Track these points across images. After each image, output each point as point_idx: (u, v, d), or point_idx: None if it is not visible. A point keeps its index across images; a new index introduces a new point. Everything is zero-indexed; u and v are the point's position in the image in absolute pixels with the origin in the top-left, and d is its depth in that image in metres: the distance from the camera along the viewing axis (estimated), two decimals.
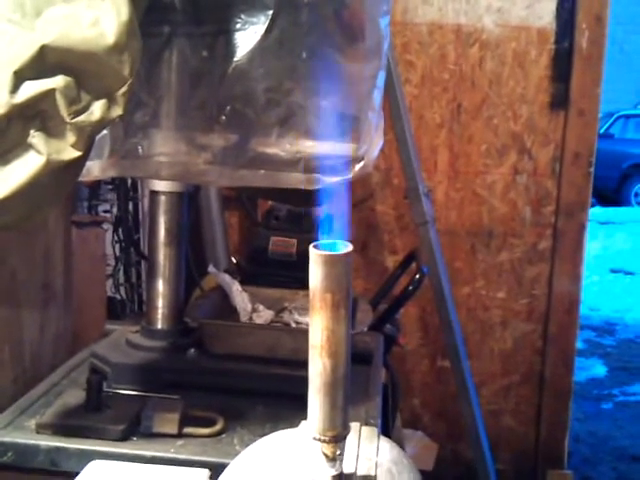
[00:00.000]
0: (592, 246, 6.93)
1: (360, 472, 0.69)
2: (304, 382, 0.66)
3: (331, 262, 0.61)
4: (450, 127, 2.62)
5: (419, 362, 2.77)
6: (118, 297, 2.41)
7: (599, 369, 4.67)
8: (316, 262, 0.61)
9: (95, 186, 2.25)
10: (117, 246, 2.41)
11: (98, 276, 1.81)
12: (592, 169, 2.58)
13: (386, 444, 0.76)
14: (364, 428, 0.77)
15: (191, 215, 1.82)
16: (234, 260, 2.34)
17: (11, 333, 1.31)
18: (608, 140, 10.24)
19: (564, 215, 2.62)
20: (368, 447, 0.73)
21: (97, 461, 0.87)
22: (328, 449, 0.66)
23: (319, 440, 0.65)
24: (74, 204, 1.80)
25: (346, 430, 0.66)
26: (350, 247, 0.62)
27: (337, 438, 0.66)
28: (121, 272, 2.44)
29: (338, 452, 0.66)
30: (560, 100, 2.57)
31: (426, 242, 2.29)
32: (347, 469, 0.68)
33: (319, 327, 0.62)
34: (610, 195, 10.60)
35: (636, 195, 11.04)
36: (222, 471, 0.75)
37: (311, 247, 0.61)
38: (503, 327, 2.73)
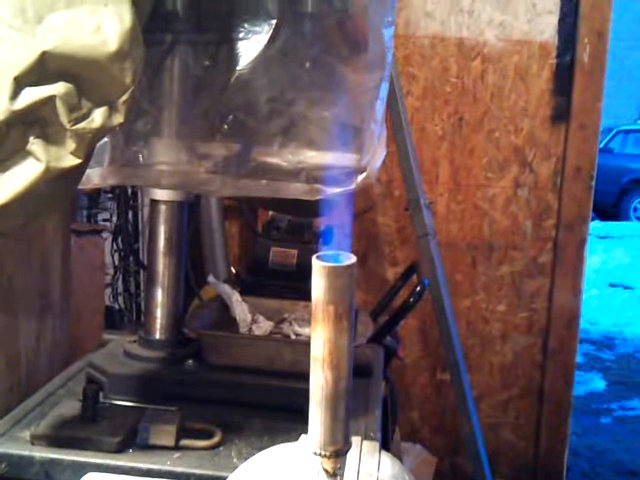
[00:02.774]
0: (591, 260, 6.93)
1: None
2: (303, 395, 0.65)
3: (335, 274, 0.60)
4: (451, 140, 2.62)
5: (419, 375, 2.76)
6: (116, 307, 2.40)
7: (598, 383, 4.65)
8: (320, 273, 0.60)
9: (95, 194, 2.24)
10: (116, 255, 2.40)
11: (96, 285, 1.80)
12: (593, 183, 2.58)
13: (387, 459, 0.74)
14: (365, 443, 0.75)
15: (191, 225, 1.81)
16: (234, 270, 2.33)
17: (7, 341, 1.30)
18: (608, 155, 10.25)
19: (565, 229, 2.61)
20: (369, 462, 0.72)
21: (92, 474, 0.85)
22: (328, 464, 0.65)
23: (319, 455, 0.64)
24: (73, 212, 1.79)
25: (347, 445, 0.65)
26: (354, 259, 0.61)
27: (338, 453, 0.64)
28: (120, 281, 2.43)
29: (339, 467, 0.65)
30: (561, 114, 2.57)
31: (427, 254, 2.28)
32: None
33: (321, 339, 0.61)
34: (609, 210, 10.61)
35: (635, 210, 11.06)
36: None
37: (314, 258, 0.60)
38: (503, 340, 2.72)
